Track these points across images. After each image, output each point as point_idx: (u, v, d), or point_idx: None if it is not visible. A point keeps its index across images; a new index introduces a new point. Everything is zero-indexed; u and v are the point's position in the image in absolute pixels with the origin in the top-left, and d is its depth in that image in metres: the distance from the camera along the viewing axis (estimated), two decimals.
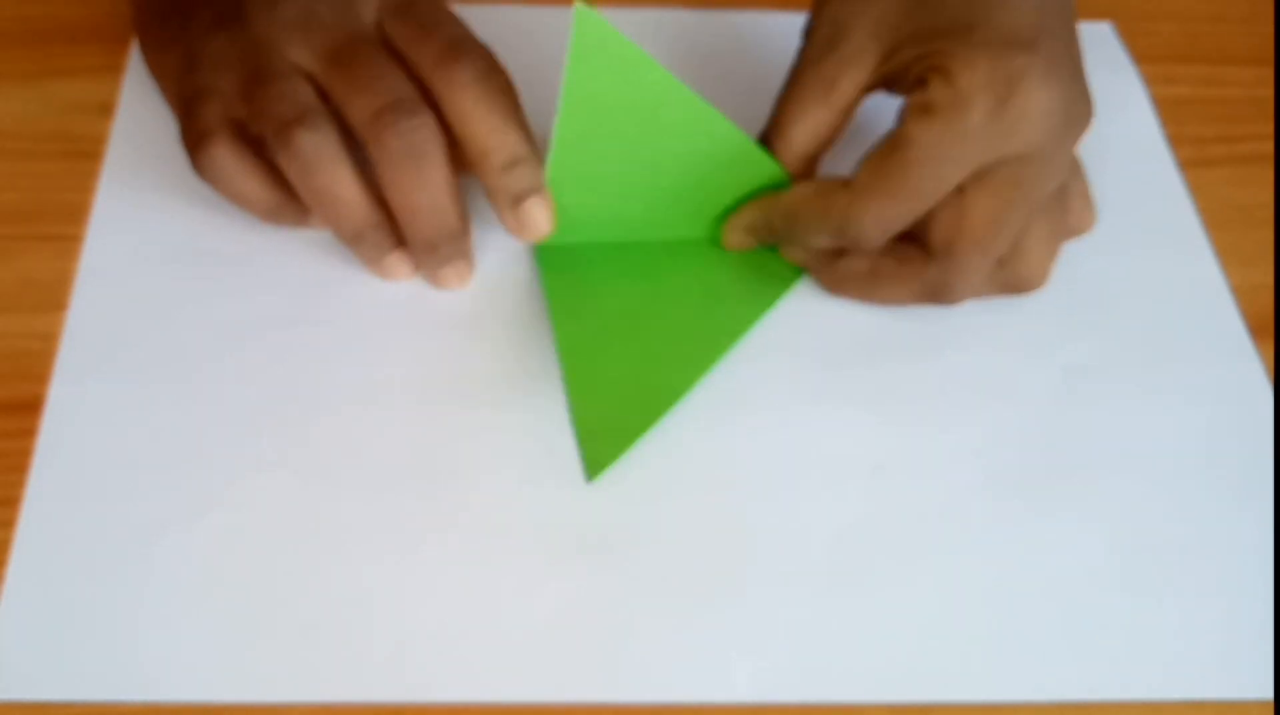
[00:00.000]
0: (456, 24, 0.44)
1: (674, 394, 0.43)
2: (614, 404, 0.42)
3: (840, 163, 0.46)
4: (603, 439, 0.41)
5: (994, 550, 0.41)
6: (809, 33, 0.45)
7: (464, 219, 0.44)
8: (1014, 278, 0.44)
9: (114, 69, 0.52)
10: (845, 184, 0.42)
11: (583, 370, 0.43)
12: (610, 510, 0.41)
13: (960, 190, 0.41)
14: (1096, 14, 0.59)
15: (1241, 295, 0.48)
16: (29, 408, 0.42)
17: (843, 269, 0.45)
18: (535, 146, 0.43)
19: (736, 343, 0.45)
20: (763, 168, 0.45)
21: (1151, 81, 0.56)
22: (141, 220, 0.47)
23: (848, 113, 0.44)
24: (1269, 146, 0.54)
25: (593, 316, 0.45)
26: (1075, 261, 0.49)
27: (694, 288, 0.46)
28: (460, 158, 0.43)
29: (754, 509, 0.42)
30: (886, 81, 0.43)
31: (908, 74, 0.42)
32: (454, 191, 0.43)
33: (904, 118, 0.41)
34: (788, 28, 0.49)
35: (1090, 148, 0.53)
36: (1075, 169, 0.44)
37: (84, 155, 0.49)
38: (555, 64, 0.41)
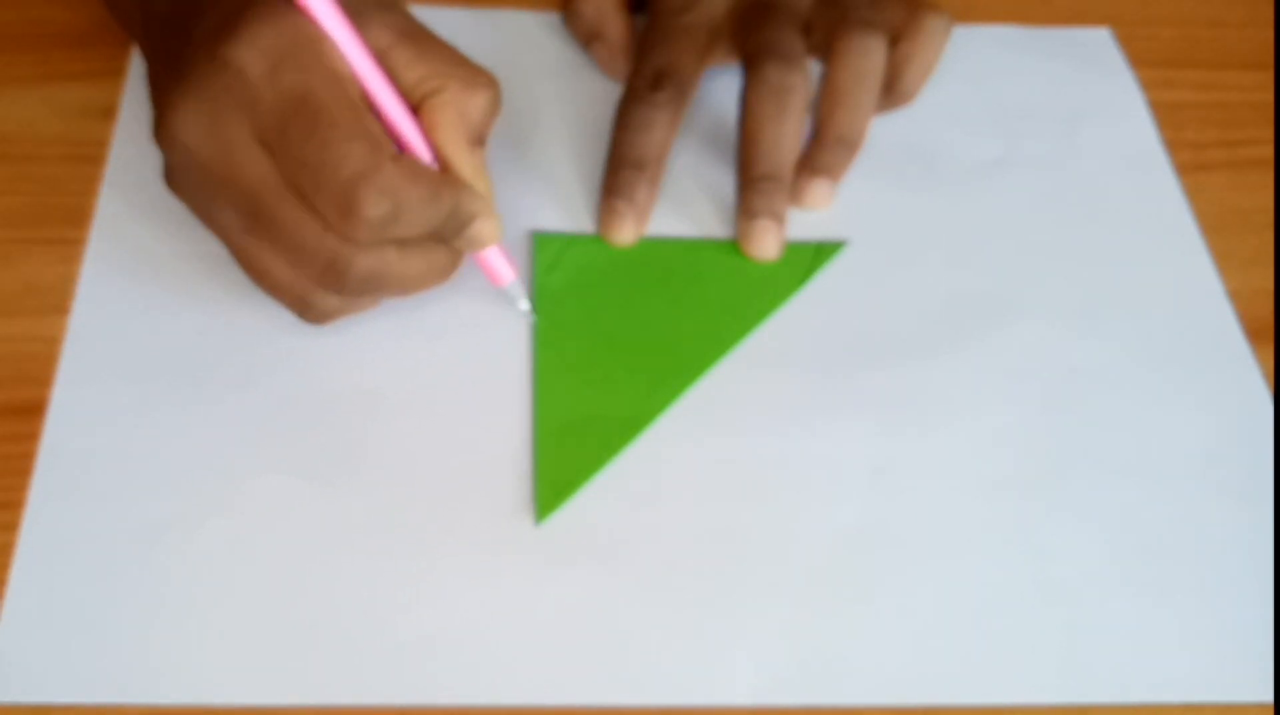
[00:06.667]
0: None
1: (639, 425, 0.43)
2: (576, 444, 0.42)
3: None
4: (558, 485, 0.41)
5: (993, 554, 0.41)
6: None
7: None
8: None
9: (116, 73, 0.52)
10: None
11: (552, 406, 0.43)
12: (610, 513, 0.41)
13: None
14: (1094, 19, 0.59)
15: (1240, 299, 0.49)
16: (32, 411, 0.42)
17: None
18: None
19: (712, 366, 0.45)
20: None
21: (1150, 86, 0.56)
22: (144, 224, 0.47)
23: None
24: (1268, 151, 0.54)
25: (575, 335, 0.45)
26: (1074, 265, 0.49)
27: (684, 301, 0.46)
28: None
29: (755, 512, 0.42)
30: None
31: None
32: None
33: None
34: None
35: (1088, 152, 0.53)
36: None
37: (86, 159, 0.49)
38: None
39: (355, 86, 0.39)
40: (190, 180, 0.40)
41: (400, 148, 0.40)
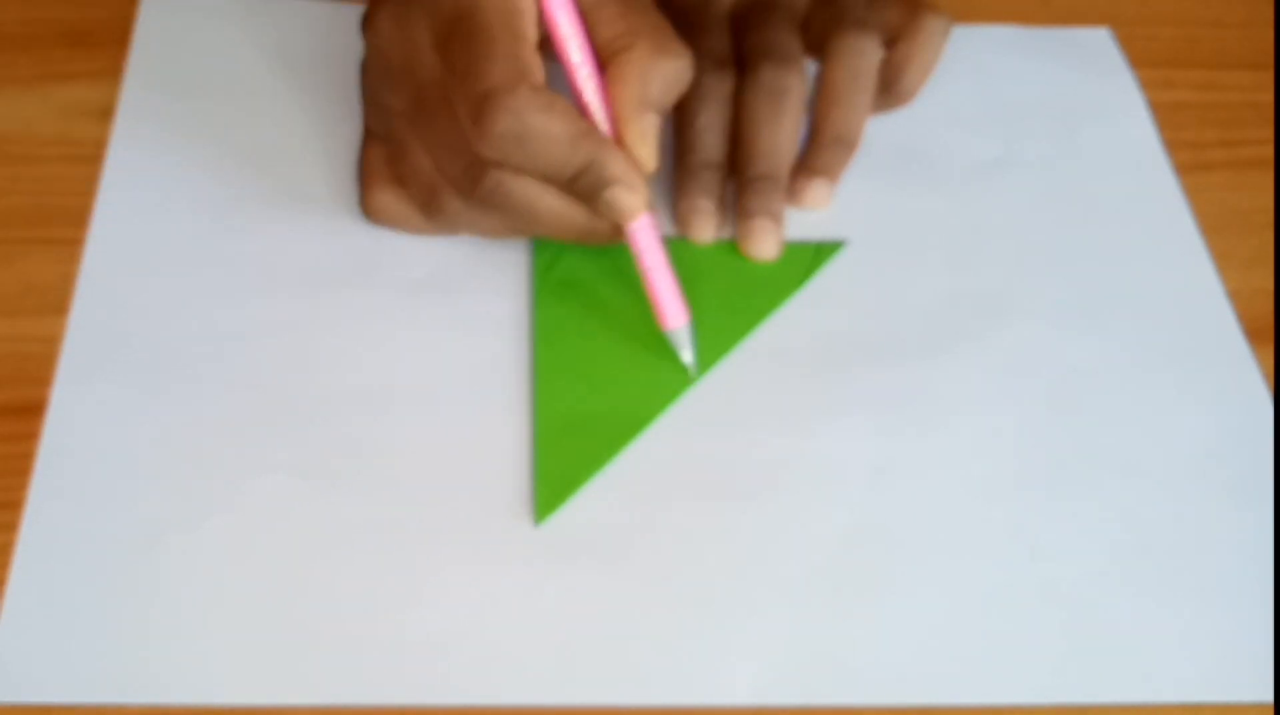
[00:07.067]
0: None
1: (639, 424, 0.43)
2: (576, 443, 0.42)
3: None
4: (558, 485, 0.41)
5: (993, 554, 0.41)
6: None
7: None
8: None
9: (114, 73, 0.52)
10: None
11: (552, 405, 0.43)
12: (610, 513, 0.41)
13: None
14: (1094, 19, 0.59)
15: (1240, 300, 0.49)
16: (31, 411, 0.42)
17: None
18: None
19: (712, 366, 0.45)
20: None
21: (1149, 86, 0.56)
22: (142, 224, 0.47)
23: None
24: (1268, 151, 0.54)
25: (575, 334, 0.45)
26: (1073, 265, 0.49)
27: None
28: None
29: (755, 512, 0.42)
30: None
31: None
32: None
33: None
34: None
35: (1088, 152, 0.53)
36: None
37: (85, 159, 0.49)
38: None
39: (529, 20, 0.41)
40: (376, 67, 0.44)
41: (575, 99, 0.42)
